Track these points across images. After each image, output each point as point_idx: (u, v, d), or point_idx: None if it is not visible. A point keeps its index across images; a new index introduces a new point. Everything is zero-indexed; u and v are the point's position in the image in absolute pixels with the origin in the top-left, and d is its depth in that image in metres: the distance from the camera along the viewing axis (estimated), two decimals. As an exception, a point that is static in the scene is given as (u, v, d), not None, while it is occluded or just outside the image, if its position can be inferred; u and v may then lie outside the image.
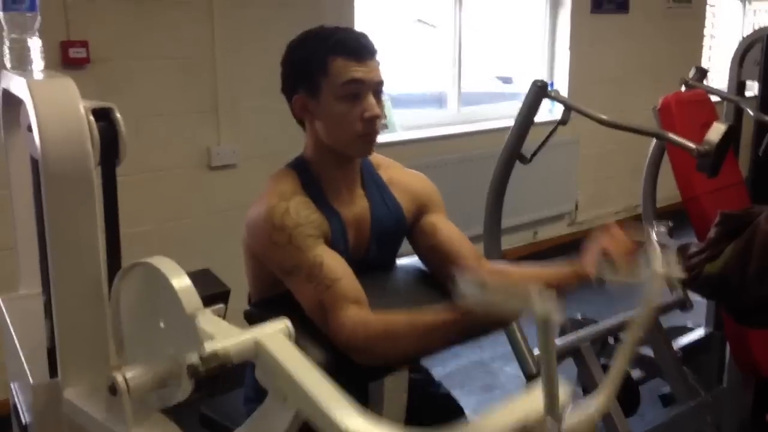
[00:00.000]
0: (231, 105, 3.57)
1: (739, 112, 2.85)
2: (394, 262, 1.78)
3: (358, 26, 3.70)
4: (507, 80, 7.39)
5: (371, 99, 1.56)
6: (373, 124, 1.57)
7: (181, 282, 1.11)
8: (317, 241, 1.53)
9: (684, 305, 2.89)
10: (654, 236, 1.39)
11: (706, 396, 2.36)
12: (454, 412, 1.79)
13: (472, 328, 1.40)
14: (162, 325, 1.19)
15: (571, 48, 5.23)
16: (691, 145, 2.01)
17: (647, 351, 2.98)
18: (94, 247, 1.24)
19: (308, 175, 1.62)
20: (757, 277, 1.79)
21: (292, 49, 1.62)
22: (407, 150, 4.14)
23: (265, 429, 1.12)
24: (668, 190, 2.92)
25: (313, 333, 1.47)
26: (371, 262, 1.69)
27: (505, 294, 1.11)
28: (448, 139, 4.62)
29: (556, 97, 2.16)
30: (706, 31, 6.40)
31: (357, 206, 1.67)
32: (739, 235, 1.85)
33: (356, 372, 1.45)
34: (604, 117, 2.09)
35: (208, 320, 1.18)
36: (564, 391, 1.05)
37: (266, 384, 1.12)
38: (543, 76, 5.24)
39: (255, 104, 3.60)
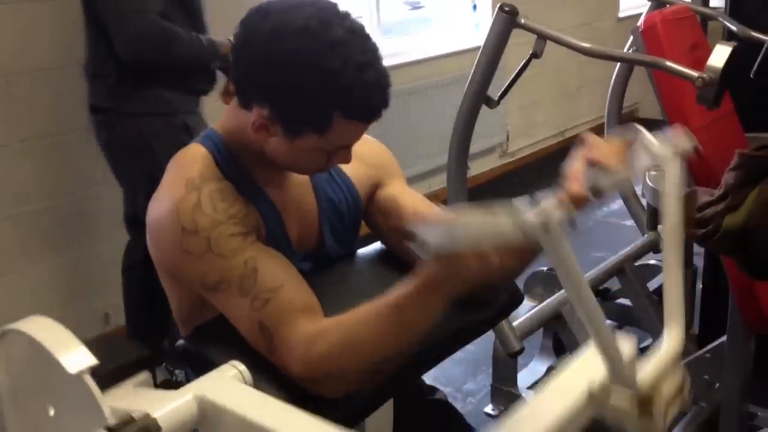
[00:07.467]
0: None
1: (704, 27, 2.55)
2: (354, 253, 1.39)
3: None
4: (416, 5, 6.96)
5: (350, 150, 1.21)
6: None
7: (67, 347, 0.77)
8: (245, 240, 1.13)
9: (656, 247, 2.65)
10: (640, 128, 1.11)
11: (703, 352, 2.09)
12: (453, 421, 1.47)
13: (459, 287, 1.02)
14: (51, 412, 0.80)
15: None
16: (693, 73, 1.68)
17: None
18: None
19: (225, 152, 1.20)
20: None
21: (274, 51, 1.09)
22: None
23: None
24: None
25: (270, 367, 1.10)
26: (327, 256, 1.31)
27: (481, 220, 0.75)
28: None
29: (528, 26, 1.78)
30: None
31: (294, 185, 1.27)
32: (764, 178, 1.53)
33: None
34: (587, 45, 1.75)
35: (119, 395, 0.81)
36: (627, 344, 0.83)
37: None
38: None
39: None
